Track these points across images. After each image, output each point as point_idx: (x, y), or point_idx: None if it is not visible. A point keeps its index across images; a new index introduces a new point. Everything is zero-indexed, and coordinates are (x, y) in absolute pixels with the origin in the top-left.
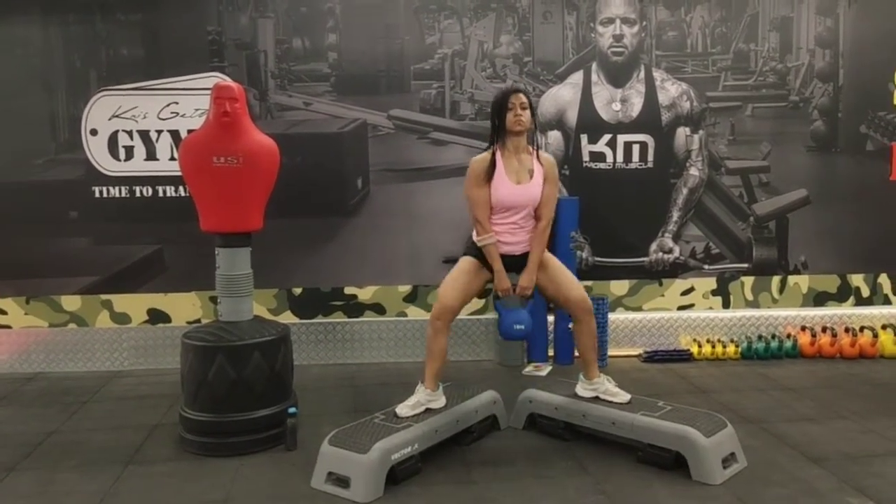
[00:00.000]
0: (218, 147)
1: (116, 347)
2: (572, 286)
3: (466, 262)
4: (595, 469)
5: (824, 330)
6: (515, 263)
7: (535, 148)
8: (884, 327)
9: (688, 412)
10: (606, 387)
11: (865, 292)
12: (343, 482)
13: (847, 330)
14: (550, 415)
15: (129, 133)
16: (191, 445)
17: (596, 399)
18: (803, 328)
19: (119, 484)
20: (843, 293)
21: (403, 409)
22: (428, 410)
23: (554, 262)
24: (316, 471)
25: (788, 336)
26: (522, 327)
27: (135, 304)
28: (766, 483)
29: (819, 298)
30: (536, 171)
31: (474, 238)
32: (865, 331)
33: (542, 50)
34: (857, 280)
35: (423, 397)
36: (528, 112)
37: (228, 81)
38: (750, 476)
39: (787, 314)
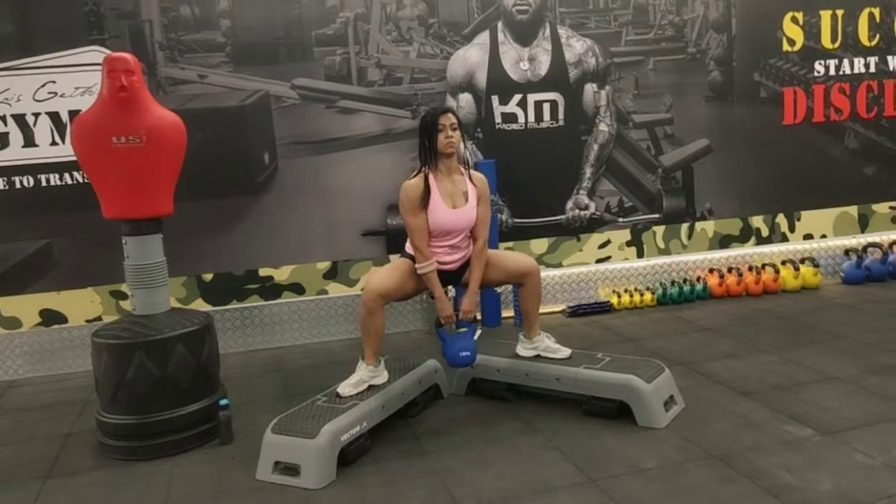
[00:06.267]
0: (116, 125)
1: (8, 355)
2: (511, 260)
3: (404, 263)
4: (543, 426)
5: (730, 270)
6: (453, 277)
7: (467, 167)
8: (783, 263)
9: (626, 361)
10: (546, 343)
11: (765, 232)
12: (292, 470)
13: (751, 269)
14: (492, 378)
15: (3, 118)
16: (114, 451)
17: (537, 357)
18: (711, 270)
19: (41, 500)
20: (746, 234)
21: (346, 389)
22: (371, 387)
23: (492, 256)
24: (261, 462)
25: (698, 279)
26: (468, 353)
27: (25, 306)
28: (707, 420)
29: (724, 241)
30: (471, 193)
31: (416, 266)
32: (767, 268)
33: (447, 10)
34: (756, 221)
35: (366, 374)
36: (458, 133)
37: (122, 53)
38: (690, 416)
39: (695, 258)
